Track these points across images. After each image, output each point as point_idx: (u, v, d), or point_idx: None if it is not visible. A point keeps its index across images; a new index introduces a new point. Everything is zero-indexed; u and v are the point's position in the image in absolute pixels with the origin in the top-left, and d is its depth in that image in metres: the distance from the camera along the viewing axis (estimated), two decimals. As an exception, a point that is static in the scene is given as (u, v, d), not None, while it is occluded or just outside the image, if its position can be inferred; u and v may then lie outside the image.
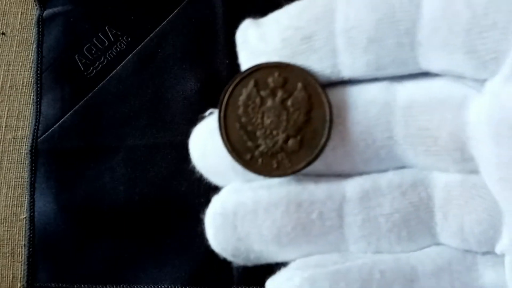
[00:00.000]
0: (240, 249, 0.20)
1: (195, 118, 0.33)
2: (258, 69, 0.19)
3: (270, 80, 0.19)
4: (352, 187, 0.19)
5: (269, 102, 0.19)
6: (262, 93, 0.19)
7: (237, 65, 0.36)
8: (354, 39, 0.18)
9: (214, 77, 0.33)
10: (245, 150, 0.19)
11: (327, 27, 0.18)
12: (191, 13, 0.34)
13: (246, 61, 0.19)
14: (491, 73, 0.17)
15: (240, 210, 0.19)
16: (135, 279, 0.32)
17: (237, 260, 0.20)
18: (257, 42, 0.19)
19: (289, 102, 0.19)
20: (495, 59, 0.17)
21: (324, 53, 0.18)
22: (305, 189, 0.19)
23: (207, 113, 0.21)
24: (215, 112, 0.20)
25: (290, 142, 0.19)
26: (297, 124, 0.19)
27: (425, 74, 0.19)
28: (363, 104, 0.18)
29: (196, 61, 0.34)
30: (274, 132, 0.19)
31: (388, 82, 0.19)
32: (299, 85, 0.18)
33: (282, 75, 0.19)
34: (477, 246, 0.19)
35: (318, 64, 0.18)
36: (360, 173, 0.19)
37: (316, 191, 0.19)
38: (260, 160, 0.19)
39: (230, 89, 0.19)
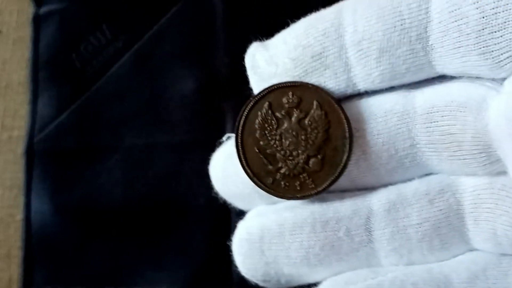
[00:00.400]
0: (270, 273, 0.20)
1: (194, 117, 0.33)
2: (271, 91, 0.19)
3: (284, 100, 0.19)
4: (377, 199, 0.19)
5: (285, 123, 0.19)
6: (278, 114, 0.19)
7: (237, 64, 0.35)
8: (365, 51, 0.18)
9: (214, 76, 0.33)
10: (266, 174, 0.19)
11: (337, 42, 0.18)
12: (190, 10, 0.34)
13: (258, 85, 0.20)
14: (508, 72, 0.17)
15: (266, 234, 0.20)
16: (133, 281, 0.32)
17: (269, 285, 0.20)
18: (267, 66, 0.19)
19: (306, 122, 0.19)
20: (510, 58, 0.17)
21: (337, 68, 0.18)
22: (329, 207, 0.19)
23: (224, 137, 0.21)
24: (233, 136, 0.20)
25: (312, 162, 0.19)
26: (316, 143, 0.19)
27: (442, 78, 0.19)
28: (382, 114, 0.19)
29: (195, 59, 0.33)
30: (294, 153, 0.19)
31: (405, 89, 0.19)
32: (315, 103, 0.19)
33: (296, 95, 0.19)
34: (511, 249, 0.19)
35: (332, 79, 0.18)
36: (385, 185, 0.19)
37: (341, 208, 0.19)
38: (282, 183, 0.19)
39: (245, 113, 0.19)
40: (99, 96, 0.33)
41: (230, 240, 0.31)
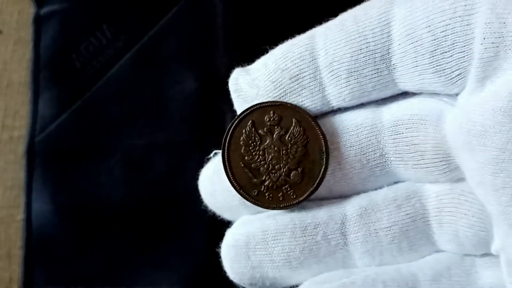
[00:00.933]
0: (255, 277, 0.22)
1: (194, 117, 0.33)
2: (254, 110, 0.21)
3: (266, 119, 0.21)
4: (351, 206, 0.21)
5: (268, 140, 0.21)
6: (260, 131, 0.21)
7: (237, 64, 0.35)
8: (336, 71, 0.20)
9: (213, 76, 0.33)
10: (251, 187, 0.21)
11: (311, 64, 0.20)
12: (190, 11, 0.34)
13: (241, 107, 0.21)
14: (460, 88, 0.19)
15: (251, 240, 0.21)
16: (133, 281, 0.32)
17: None
18: (249, 88, 0.21)
19: (286, 138, 0.21)
20: (460, 75, 0.18)
21: (312, 88, 0.20)
22: (308, 214, 0.21)
23: (211, 154, 0.23)
24: (219, 153, 0.21)
25: (292, 174, 0.21)
26: (296, 157, 0.21)
27: (405, 94, 0.21)
28: (354, 128, 0.20)
29: (194, 59, 0.33)
30: (277, 167, 0.21)
31: (374, 106, 0.21)
32: (294, 121, 0.20)
33: (277, 113, 0.20)
34: (473, 249, 0.20)
35: (308, 99, 0.20)
36: (359, 193, 0.21)
37: (318, 214, 0.21)
38: (266, 194, 0.21)
39: (230, 131, 0.21)
40: (100, 96, 0.33)
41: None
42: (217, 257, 0.32)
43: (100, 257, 0.32)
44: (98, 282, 0.32)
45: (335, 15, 0.33)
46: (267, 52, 0.21)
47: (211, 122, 0.33)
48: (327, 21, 0.21)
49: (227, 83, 0.33)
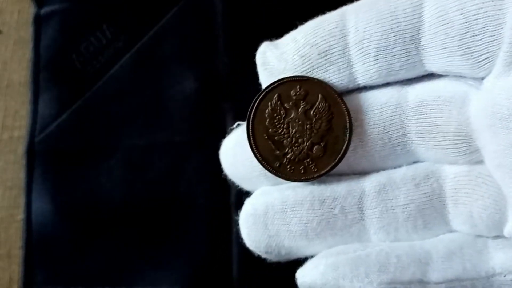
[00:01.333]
0: (271, 245, 0.22)
1: (194, 117, 0.33)
2: (280, 84, 0.21)
3: (292, 93, 0.21)
4: (370, 182, 0.22)
5: (293, 113, 0.21)
6: (286, 105, 0.21)
7: (237, 64, 0.36)
8: (365, 49, 0.20)
9: (213, 76, 0.33)
10: (274, 159, 0.21)
11: (341, 41, 0.20)
12: (190, 11, 0.34)
13: (267, 80, 0.22)
14: (487, 72, 0.19)
15: (270, 210, 0.22)
16: (133, 281, 0.32)
17: (270, 256, 0.23)
18: (277, 62, 0.21)
19: (311, 113, 0.21)
20: (488, 59, 0.19)
21: (340, 65, 0.21)
22: (327, 187, 0.22)
23: (234, 125, 0.23)
24: (242, 124, 0.22)
25: (315, 148, 0.21)
26: (320, 132, 0.21)
27: (430, 76, 0.21)
28: (378, 107, 0.21)
29: (195, 59, 0.33)
30: (300, 141, 0.21)
31: (399, 85, 0.21)
32: (320, 96, 0.21)
33: (303, 88, 0.21)
34: (486, 231, 0.21)
35: (336, 75, 0.21)
36: (378, 170, 0.22)
37: (337, 188, 0.22)
38: (288, 166, 0.21)
39: (256, 103, 0.21)
40: (100, 96, 0.33)
41: (230, 240, 0.32)
42: (217, 257, 0.32)
43: (100, 257, 0.32)
44: (98, 282, 0.32)
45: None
46: (296, 27, 0.22)
47: (211, 122, 0.33)
48: None
49: (227, 83, 0.33)
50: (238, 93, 0.33)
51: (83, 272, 0.32)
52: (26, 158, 0.33)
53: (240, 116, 0.33)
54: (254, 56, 0.33)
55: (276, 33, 0.33)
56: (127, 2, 0.34)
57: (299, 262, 0.24)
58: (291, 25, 0.33)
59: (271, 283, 0.31)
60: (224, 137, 0.33)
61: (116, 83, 0.33)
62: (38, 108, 0.34)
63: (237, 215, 0.32)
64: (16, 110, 0.35)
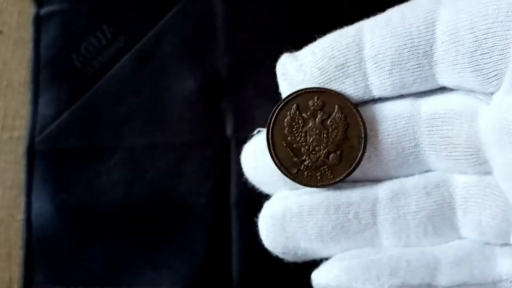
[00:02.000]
0: (288, 247, 0.23)
1: (194, 117, 0.33)
2: (299, 95, 0.22)
3: (310, 103, 0.22)
4: (383, 189, 0.23)
5: (310, 123, 0.22)
6: (304, 115, 0.22)
7: (237, 64, 0.36)
8: (380, 63, 0.21)
9: (213, 76, 0.33)
10: (291, 165, 0.22)
11: (357, 55, 0.21)
12: (190, 11, 0.34)
13: (287, 90, 0.23)
14: (496, 88, 0.20)
15: (287, 213, 0.23)
16: (133, 281, 0.32)
17: (287, 257, 0.24)
18: (296, 73, 0.22)
19: (328, 122, 0.22)
20: (497, 76, 0.20)
21: (356, 77, 0.22)
22: (342, 193, 0.23)
23: (255, 132, 0.24)
24: (262, 131, 0.23)
25: (331, 157, 0.22)
26: (336, 141, 0.22)
27: (442, 89, 0.22)
28: (392, 118, 0.22)
29: (195, 60, 0.33)
30: (317, 149, 0.22)
31: (412, 98, 0.22)
32: (336, 107, 0.22)
33: (321, 99, 0.22)
34: (494, 239, 0.22)
35: (352, 87, 0.22)
36: (391, 178, 0.23)
37: (352, 195, 0.23)
38: (305, 173, 0.22)
39: (276, 112, 0.22)
40: (100, 96, 0.33)
41: (230, 240, 0.32)
42: (217, 257, 0.32)
43: (100, 257, 0.32)
44: (98, 282, 0.32)
45: (334, 14, 0.33)
46: (315, 40, 0.23)
47: (211, 122, 0.33)
48: (373, 15, 0.22)
49: (227, 83, 0.33)
50: (238, 93, 0.33)
51: (83, 272, 0.32)
52: (26, 158, 0.33)
53: (240, 116, 0.33)
54: (254, 56, 0.33)
55: (277, 33, 0.33)
56: (127, 2, 0.34)
57: (298, 264, 0.24)
58: (291, 25, 0.33)
59: (271, 283, 0.31)
60: (224, 137, 0.33)
61: (116, 83, 0.33)
62: (38, 108, 0.34)
63: (237, 215, 0.32)
64: (16, 110, 0.35)
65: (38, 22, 0.35)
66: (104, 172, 0.33)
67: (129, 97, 0.33)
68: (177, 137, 0.33)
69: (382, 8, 0.22)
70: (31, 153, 0.34)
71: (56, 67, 0.34)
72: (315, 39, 0.23)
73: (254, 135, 0.24)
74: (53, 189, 0.33)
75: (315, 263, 0.24)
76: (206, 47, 0.33)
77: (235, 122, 0.33)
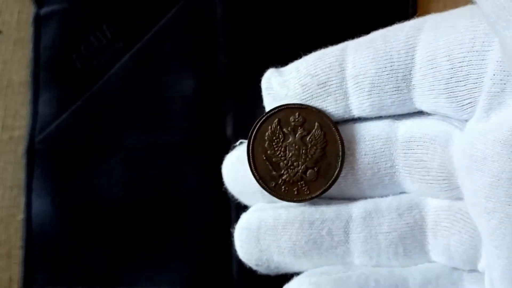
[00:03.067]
0: (262, 259, 0.24)
1: (194, 117, 0.33)
2: (281, 109, 0.23)
3: (291, 119, 0.22)
4: (357, 208, 0.23)
5: (290, 138, 0.23)
6: (285, 130, 0.23)
7: (237, 64, 0.36)
8: (360, 84, 0.21)
9: (214, 77, 0.33)
10: (270, 178, 0.23)
11: (339, 74, 0.22)
12: (190, 11, 0.34)
13: (270, 104, 0.23)
14: (470, 115, 0.20)
15: (263, 226, 0.23)
16: (133, 281, 0.32)
17: (260, 269, 0.24)
18: (280, 88, 0.23)
19: (307, 139, 0.22)
20: (470, 104, 0.20)
21: (337, 96, 0.22)
22: (317, 209, 0.23)
23: (237, 143, 0.24)
24: (245, 142, 0.23)
25: (309, 172, 0.23)
26: (314, 158, 0.22)
27: (420, 113, 0.22)
28: (370, 138, 0.22)
29: (195, 60, 0.33)
30: (295, 164, 0.23)
31: (391, 119, 0.22)
32: (316, 124, 0.22)
33: (302, 115, 0.22)
34: (461, 264, 0.22)
35: (332, 105, 0.22)
36: (366, 197, 0.23)
37: (326, 211, 0.23)
38: (283, 187, 0.23)
39: (257, 125, 0.23)
40: (100, 96, 0.33)
41: (231, 240, 0.32)
42: (217, 257, 0.32)
43: (100, 257, 0.32)
44: (98, 282, 0.32)
45: (333, 15, 0.33)
46: (301, 57, 0.23)
47: (211, 122, 0.33)
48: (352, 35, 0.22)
49: (227, 83, 0.33)
50: (238, 93, 0.33)
51: (83, 272, 0.32)
52: (26, 158, 0.33)
53: (240, 117, 0.33)
54: (254, 56, 0.33)
55: (277, 33, 0.33)
56: (127, 2, 0.34)
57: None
58: (291, 26, 0.33)
59: (271, 283, 0.31)
60: (224, 137, 0.33)
61: (116, 83, 0.33)
62: (38, 108, 0.34)
63: (237, 215, 0.32)
64: (16, 110, 0.35)
65: (38, 22, 0.35)
66: (104, 172, 0.33)
67: (129, 97, 0.33)
68: (177, 137, 0.33)
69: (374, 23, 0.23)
70: (31, 153, 0.34)
71: (56, 67, 0.34)
72: (300, 56, 0.23)
73: (236, 146, 0.25)
74: (53, 189, 0.33)
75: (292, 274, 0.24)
76: (206, 47, 0.33)
77: (235, 122, 0.33)
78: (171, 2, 0.34)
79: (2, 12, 0.35)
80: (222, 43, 0.33)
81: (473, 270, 0.22)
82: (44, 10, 0.35)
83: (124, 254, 0.32)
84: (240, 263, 0.31)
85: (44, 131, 0.34)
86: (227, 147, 0.33)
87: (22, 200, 0.33)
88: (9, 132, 0.34)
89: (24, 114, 0.34)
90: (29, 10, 0.35)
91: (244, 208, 0.25)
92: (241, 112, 0.33)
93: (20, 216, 0.33)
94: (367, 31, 0.22)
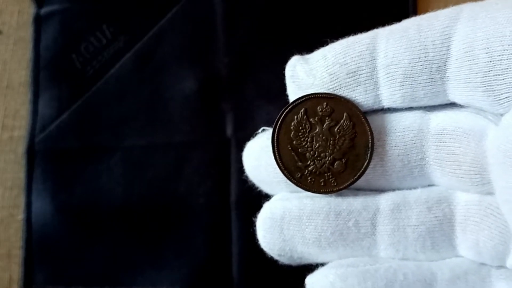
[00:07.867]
0: (285, 249, 0.23)
1: (194, 117, 0.33)
2: (308, 99, 0.22)
3: (318, 109, 0.22)
4: (385, 200, 0.22)
5: (317, 128, 0.22)
6: (312, 120, 0.22)
7: (237, 64, 0.36)
8: (392, 74, 0.21)
9: (213, 76, 0.33)
10: (296, 169, 0.22)
11: (370, 63, 0.21)
12: (190, 11, 0.34)
13: (295, 93, 0.22)
14: (506, 109, 0.20)
15: (287, 215, 0.23)
16: (133, 281, 0.32)
17: (283, 259, 0.24)
18: (305, 77, 0.22)
19: (335, 129, 0.22)
20: (508, 98, 0.19)
21: (367, 86, 0.21)
22: (344, 200, 0.23)
23: (260, 130, 0.24)
24: (267, 129, 0.23)
25: (336, 164, 0.22)
26: (342, 149, 0.22)
27: (452, 105, 0.22)
28: (401, 130, 0.22)
29: (195, 59, 0.33)
30: (322, 155, 0.22)
31: (422, 111, 0.22)
32: (345, 114, 0.22)
33: (330, 105, 0.22)
34: (490, 260, 0.22)
35: (362, 95, 0.21)
36: (394, 189, 0.23)
37: (353, 203, 0.22)
38: (309, 178, 0.22)
39: (283, 115, 0.22)
40: (100, 96, 0.33)
41: (230, 239, 0.32)
42: (217, 257, 0.32)
43: (100, 257, 0.32)
44: (98, 282, 0.32)
45: (333, 15, 0.33)
46: (327, 44, 0.22)
47: (211, 122, 0.33)
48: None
49: (227, 83, 0.33)
50: (238, 93, 0.33)
51: (83, 272, 0.32)
52: (26, 158, 0.33)
53: (240, 116, 0.33)
54: (254, 56, 0.33)
55: (277, 33, 0.33)
56: (127, 2, 0.34)
57: (299, 266, 0.24)
58: (291, 26, 0.33)
59: (271, 283, 0.31)
60: (224, 137, 0.33)
61: (116, 83, 0.33)
62: (38, 108, 0.34)
63: (237, 215, 0.32)
64: (16, 110, 0.35)
65: (38, 22, 0.35)
66: (104, 172, 0.33)
67: (129, 97, 0.33)
68: (177, 137, 0.33)
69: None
70: (31, 153, 0.34)
71: (56, 67, 0.34)
72: (327, 43, 0.22)
73: (258, 133, 0.24)
74: (53, 189, 0.33)
75: (314, 265, 0.24)
76: (206, 47, 0.33)
77: (235, 122, 0.33)
78: (171, 2, 0.34)
79: (2, 12, 0.36)
80: (222, 43, 0.33)
81: (501, 267, 0.22)
82: (44, 10, 0.35)
83: (124, 253, 0.32)
84: (240, 263, 0.31)
85: (44, 131, 0.34)
86: (227, 147, 0.33)
87: (22, 200, 0.33)
88: (9, 132, 0.34)
89: (24, 114, 0.34)
90: (29, 10, 0.35)
91: (266, 196, 0.24)
92: (241, 112, 0.33)
93: (20, 216, 0.33)
94: (366, 31, 0.22)
